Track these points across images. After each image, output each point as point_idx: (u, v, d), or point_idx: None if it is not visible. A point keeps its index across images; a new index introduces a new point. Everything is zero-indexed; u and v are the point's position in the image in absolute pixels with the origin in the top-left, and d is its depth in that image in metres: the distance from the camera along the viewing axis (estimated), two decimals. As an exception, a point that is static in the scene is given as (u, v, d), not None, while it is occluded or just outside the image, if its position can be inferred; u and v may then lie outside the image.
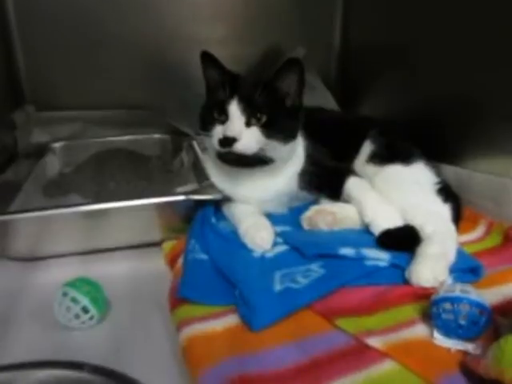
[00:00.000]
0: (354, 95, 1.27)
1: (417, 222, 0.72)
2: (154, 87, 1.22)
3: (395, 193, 0.76)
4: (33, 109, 1.14)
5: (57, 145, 1.11)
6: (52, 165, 1.08)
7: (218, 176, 0.81)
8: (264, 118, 0.72)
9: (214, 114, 0.73)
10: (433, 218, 0.72)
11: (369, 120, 0.93)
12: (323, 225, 0.75)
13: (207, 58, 0.76)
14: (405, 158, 0.80)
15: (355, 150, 0.85)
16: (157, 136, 1.17)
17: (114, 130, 1.16)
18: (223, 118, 0.73)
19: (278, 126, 0.73)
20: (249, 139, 0.71)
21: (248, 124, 0.72)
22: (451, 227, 0.72)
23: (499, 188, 0.79)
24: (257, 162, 0.74)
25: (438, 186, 0.78)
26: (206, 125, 0.75)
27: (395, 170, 0.79)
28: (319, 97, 1.19)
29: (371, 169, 0.81)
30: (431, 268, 0.62)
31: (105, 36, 1.17)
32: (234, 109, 0.71)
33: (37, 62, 1.16)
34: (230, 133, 0.70)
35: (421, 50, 0.99)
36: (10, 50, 1.14)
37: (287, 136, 0.75)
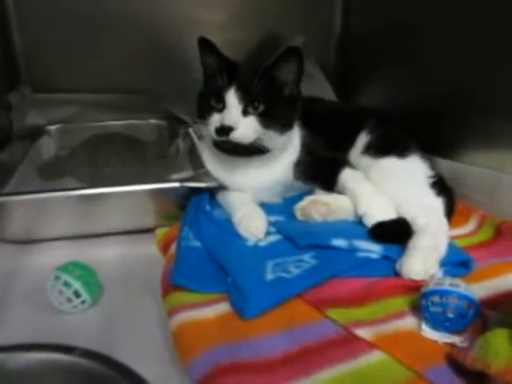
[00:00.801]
0: (352, 85, 1.26)
1: (409, 214, 0.72)
2: (152, 72, 1.21)
3: (389, 185, 0.76)
4: (29, 90, 1.13)
5: (52, 127, 1.11)
6: (47, 147, 1.07)
7: (213, 164, 0.81)
8: (261, 108, 0.72)
9: (211, 101, 0.73)
10: (425, 211, 0.72)
11: (366, 111, 0.93)
12: (317, 215, 0.75)
13: (205, 44, 0.75)
14: (400, 150, 0.80)
15: (351, 141, 0.85)
16: (153, 121, 1.16)
17: (111, 113, 1.15)
18: (220, 106, 0.72)
19: (275, 116, 0.73)
20: (246, 128, 0.71)
21: (245, 113, 0.71)
22: (443, 221, 0.73)
23: (493, 182, 0.79)
24: (253, 151, 0.74)
25: (432, 180, 0.79)
26: (203, 113, 0.74)
27: (390, 163, 0.79)
28: (317, 86, 1.19)
29: (366, 160, 0.81)
30: (422, 261, 0.63)
31: (104, 19, 1.15)
32: (232, 97, 0.71)
33: (34, 44, 1.14)
34: (227, 121, 0.70)
35: (422, 42, 0.98)
36: (7, 30, 1.12)
37: (284, 126, 0.75)
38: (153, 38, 1.20)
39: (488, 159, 0.82)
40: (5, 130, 1.05)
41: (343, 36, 1.31)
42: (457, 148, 0.87)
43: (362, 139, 0.84)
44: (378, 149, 0.81)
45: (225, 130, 0.70)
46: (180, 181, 0.78)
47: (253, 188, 0.80)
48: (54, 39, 1.15)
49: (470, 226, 0.79)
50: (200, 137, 0.86)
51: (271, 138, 0.74)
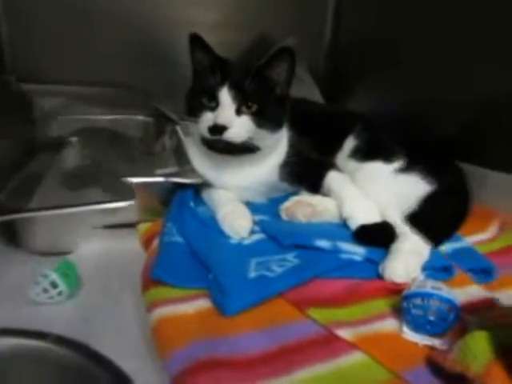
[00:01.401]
0: (341, 90, 1.27)
1: (393, 218, 0.72)
2: (141, 68, 1.20)
3: (373, 189, 0.76)
4: (13, 79, 1.11)
5: (38, 118, 1.09)
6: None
7: (199, 161, 0.80)
8: (255, 107, 0.71)
9: (203, 99, 0.72)
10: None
11: (354, 115, 0.93)
12: (302, 216, 0.75)
13: (196, 41, 0.74)
14: (387, 155, 0.80)
15: (338, 144, 0.85)
16: (140, 118, 1.16)
17: (98, 107, 1.14)
18: (213, 104, 0.71)
19: (267, 115, 0.73)
20: (239, 128, 0.70)
21: (238, 112, 0.71)
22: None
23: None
24: (244, 150, 0.74)
25: None
26: (194, 111, 0.73)
27: (376, 167, 0.79)
28: (306, 90, 1.19)
29: (353, 164, 0.81)
30: (404, 264, 0.63)
31: (94, 11, 1.15)
32: (225, 96, 0.70)
33: (21, 32, 1.12)
34: (221, 120, 0.69)
35: (412, 48, 1.00)
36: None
37: (276, 125, 0.75)
38: (143, 34, 1.20)
39: (508, 163, 0.81)
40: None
41: (333, 42, 1.33)
42: (477, 152, 0.87)
43: (350, 143, 0.84)
44: (364, 153, 0.81)
45: (218, 129, 0.69)
46: (164, 176, 0.77)
47: (238, 187, 0.80)
48: (43, 29, 1.13)
49: (491, 231, 0.78)
50: (186, 134, 0.85)
51: (263, 138, 0.74)
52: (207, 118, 0.71)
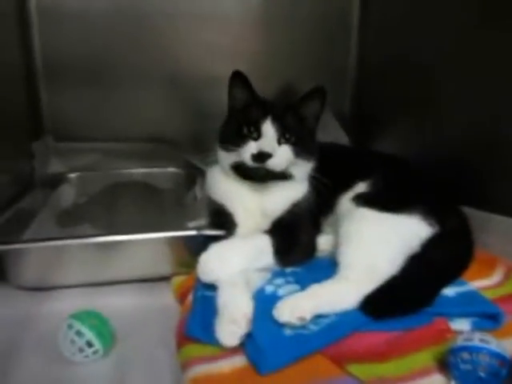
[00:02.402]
0: (368, 132, 1.26)
1: (345, 259, 0.71)
2: (169, 121, 1.24)
3: (348, 231, 0.74)
4: (51, 139, 1.16)
5: (73, 175, 1.13)
6: (67, 195, 1.09)
7: (221, 189, 0.83)
8: (293, 138, 0.77)
9: (244, 130, 0.76)
10: (362, 271, 0.68)
11: (382, 158, 0.90)
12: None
13: (239, 78, 0.79)
14: (390, 206, 0.75)
15: (348, 186, 0.82)
16: (171, 170, 1.18)
17: (130, 162, 1.17)
18: (255, 135, 0.76)
19: (303, 146, 0.78)
20: (281, 156, 0.75)
21: (279, 142, 0.76)
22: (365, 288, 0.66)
23: None
24: (280, 177, 0.78)
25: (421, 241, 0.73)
26: (234, 140, 0.77)
27: (366, 213, 0.75)
28: (333, 135, 1.20)
29: (349, 206, 0.78)
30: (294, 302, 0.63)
31: (123, 70, 1.19)
32: (269, 127, 0.76)
33: (57, 93, 1.18)
34: (267, 148, 0.74)
35: (439, 87, 0.98)
36: (33, 81, 1.16)
37: (310, 154, 0.80)
38: (172, 89, 1.23)
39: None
40: (27, 178, 1.07)
41: (358, 85, 1.33)
42: (481, 196, 0.85)
43: (360, 188, 0.80)
44: (365, 200, 0.77)
45: (263, 157, 0.74)
46: (197, 229, 0.78)
47: (260, 213, 0.80)
48: (76, 90, 1.18)
49: (496, 277, 0.76)
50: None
51: (298, 166, 0.78)
52: (251, 147, 0.75)
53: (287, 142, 0.77)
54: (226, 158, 0.80)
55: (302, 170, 0.80)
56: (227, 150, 0.79)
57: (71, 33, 1.15)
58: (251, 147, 0.75)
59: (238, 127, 0.77)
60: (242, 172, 0.79)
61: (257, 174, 0.77)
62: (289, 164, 0.77)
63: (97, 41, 1.17)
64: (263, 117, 0.76)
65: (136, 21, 1.18)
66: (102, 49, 1.17)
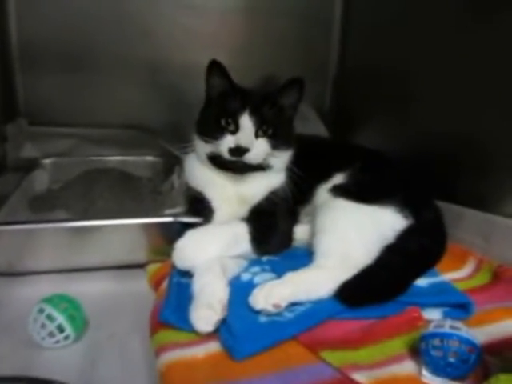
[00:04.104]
0: (348, 126, 1.27)
1: (321, 248, 0.71)
2: (148, 109, 1.22)
3: (323, 223, 0.74)
4: (25, 123, 1.13)
5: (47, 161, 1.10)
6: (41, 180, 1.06)
7: (199, 177, 0.82)
8: (270, 130, 0.76)
9: (222, 122, 0.75)
10: (338, 259, 0.69)
11: (361, 151, 0.90)
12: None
13: (216, 67, 0.78)
14: (366, 198, 0.75)
15: (326, 177, 0.82)
16: (149, 158, 1.17)
17: (107, 149, 1.15)
18: (232, 127, 0.75)
19: (281, 137, 0.78)
20: (258, 150, 0.75)
21: (257, 135, 0.75)
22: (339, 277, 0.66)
23: (489, 225, 0.79)
24: (257, 168, 0.78)
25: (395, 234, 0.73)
26: (211, 132, 0.76)
27: (343, 203, 0.75)
28: (312, 127, 1.20)
29: (326, 197, 0.78)
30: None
31: (103, 54, 1.17)
32: (247, 121, 0.75)
33: (34, 76, 1.15)
34: (244, 143, 0.73)
35: (418, 84, 1.00)
36: (8, 64, 1.13)
37: (287, 145, 0.80)
38: (151, 76, 1.22)
39: (483, 201, 0.81)
40: (-2, 161, 1.04)
41: (339, 78, 1.34)
42: (453, 190, 0.87)
43: (337, 179, 0.80)
44: (342, 191, 0.77)
45: (240, 151, 0.74)
46: (173, 215, 0.77)
47: (238, 200, 0.80)
48: (53, 74, 1.16)
49: (467, 269, 0.77)
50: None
51: (276, 157, 0.78)
52: (228, 140, 0.75)
53: (265, 134, 0.76)
54: (203, 147, 0.79)
55: (280, 160, 0.80)
56: (204, 140, 0.78)
57: (49, 16, 1.13)
58: (229, 141, 0.75)
59: (216, 119, 0.76)
60: (219, 163, 0.78)
61: (234, 166, 0.77)
62: (266, 156, 0.77)
63: (75, 25, 1.14)
64: (241, 109, 0.75)
65: (117, 6, 1.16)
66: (81, 33, 1.15)
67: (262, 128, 0.76)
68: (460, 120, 0.87)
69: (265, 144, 0.76)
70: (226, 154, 0.75)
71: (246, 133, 0.74)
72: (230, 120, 0.75)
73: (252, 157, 0.75)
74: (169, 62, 1.22)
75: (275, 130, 0.77)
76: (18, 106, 1.16)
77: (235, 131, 0.75)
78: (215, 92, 0.80)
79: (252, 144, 0.74)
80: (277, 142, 0.77)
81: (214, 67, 0.78)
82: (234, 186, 0.80)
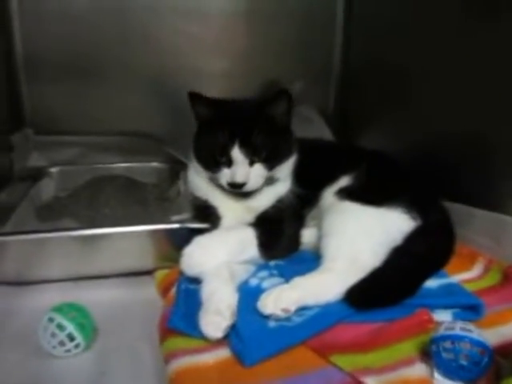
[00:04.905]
0: (353, 128, 1.27)
1: (329, 252, 0.70)
2: (152, 115, 1.23)
3: (330, 224, 0.74)
4: (31, 132, 1.14)
5: (53, 169, 1.11)
6: (47, 189, 1.06)
7: (203, 188, 0.82)
8: (264, 154, 0.75)
9: (217, 156, 0.75)
10: (346, 263, 0.68)
11: (366, 153, 0.89)
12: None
13: (196, 98, 0.76)
14: (379, 200, 0.74)
15: (331, 180, 0.81)
16: (154, 164, 1.17)
17: (113, 156, 1.16)
18: (224, 160, 0.74)
19: (278, 154, 0.77)
20: (255, 178, 0.75)
21: (251, 163, 0.74)
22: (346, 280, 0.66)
23: (498, 225, 0.78)
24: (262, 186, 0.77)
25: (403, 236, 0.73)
26: (208, 165, 0.77)
27: (349, 206, 0.75)
28: (316, 130, 1.20)
29: (332, 200, 0.78)
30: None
31: (106, 64, 1.18)
32: (237, 154, 0.73)
33: (39, 86, 1.16)
34: (239, 179, 0.73)
35: (421, 85, 0.99)
36: (14, 74, 1.14)
37: (286, 155, 0.79)
38: (155, 83, 1.22)
39: (492, 202, 0.80)
40: (6, 171, 1.05)
41: (343, 81, 1.33)
42: (462, 190, 0.86)
43: (343, 182, 0.80)
44: (349, 193, 0.77)
45: (237, 186, 0.74)
46: (180, 222, 0.77)
47: (243, 209, 0.79)
48: (59, 83, 1.16)
49: (476, 270, 0.77)
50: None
51: (278, 171, 0.78)
52: (225, 174, 0.75)
53: (259, 159, 0.75)
54: (204, 172, 0.79)
55: (284, 170, 0.79)
56: (203, 169, 0.78)
57: (53, 26, 1.13)
58: (225, 174, 0.75)
59: (210, 153, 0.76)
60: (222, 187, 0.77)
61: (237, 193, 0.77)
62: (267, 177, 0.76)
63: (80, 34, 1.15)
64: (230, 143, 0.73)
65: (119, 15, 1.16)
66: (85, 43, 1.16)
67: (255, 155, 0.74)
68: (467, 120, 0.86)
69: (261, 169, 0.75)
70: (225, 186, 0.75)
71: (239, 167, 0.73)
72: (222, 154, 0.74)
73: (251, 187, 0.75)
74: (172, 69, 1.22)
75: (269, 152, 0.75)
76: (23, 116, 1.17)
77: (229, 164, 0.74)
78: (203, 120, 0.78)
79: (247, 177, 0.73)
80: (274, 162, 0.76)
81: (195, 99, 0.76)
82: (240, 199, 0.79)
